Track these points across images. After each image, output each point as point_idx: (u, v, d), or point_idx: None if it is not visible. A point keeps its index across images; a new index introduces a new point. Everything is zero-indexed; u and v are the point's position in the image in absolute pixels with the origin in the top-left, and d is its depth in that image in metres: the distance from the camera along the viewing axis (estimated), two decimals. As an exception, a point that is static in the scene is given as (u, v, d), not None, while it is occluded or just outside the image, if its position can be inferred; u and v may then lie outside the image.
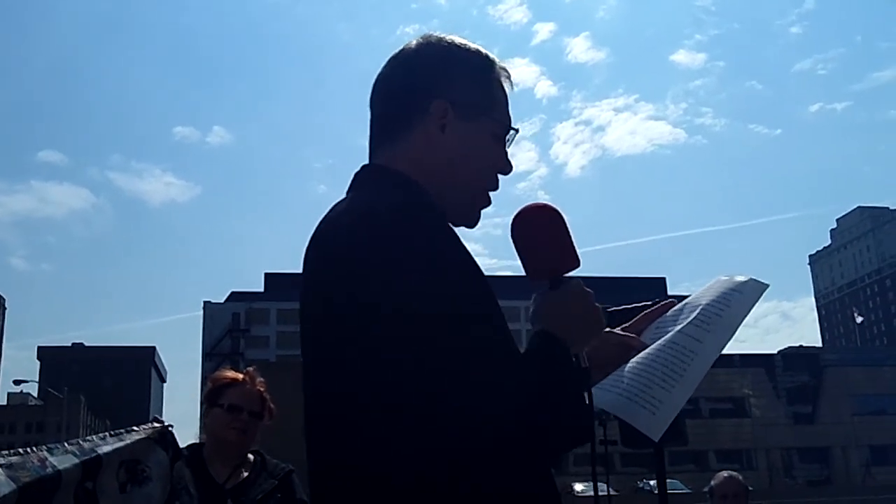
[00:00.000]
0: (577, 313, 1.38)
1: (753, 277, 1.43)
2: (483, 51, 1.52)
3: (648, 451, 4.86)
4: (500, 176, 1.52)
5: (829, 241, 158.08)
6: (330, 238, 1.33)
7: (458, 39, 1.51)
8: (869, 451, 52.12)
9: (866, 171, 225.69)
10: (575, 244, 1.44)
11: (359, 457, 1.24)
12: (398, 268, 1.22)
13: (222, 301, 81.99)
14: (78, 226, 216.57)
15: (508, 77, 1.53)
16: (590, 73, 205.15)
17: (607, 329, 1.54)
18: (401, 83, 1.48)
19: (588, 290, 1.41)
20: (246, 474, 3.11)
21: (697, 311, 1.41)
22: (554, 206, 1.44)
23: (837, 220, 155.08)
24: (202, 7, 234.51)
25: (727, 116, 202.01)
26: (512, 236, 1.44)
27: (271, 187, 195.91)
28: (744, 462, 49.60)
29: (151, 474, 2.62)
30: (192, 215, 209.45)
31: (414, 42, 1.51)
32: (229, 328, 78.77)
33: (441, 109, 1.43)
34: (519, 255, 1.44)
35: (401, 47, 1.53)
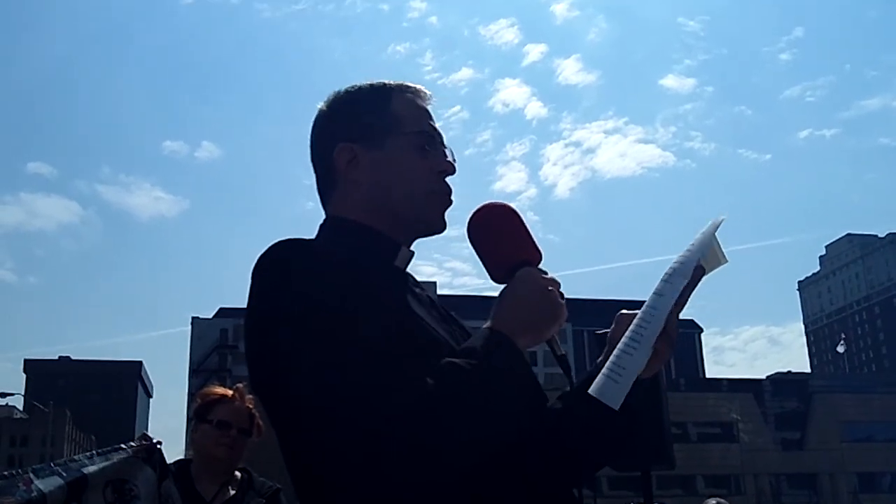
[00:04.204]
0: (526, 299, 1.37)
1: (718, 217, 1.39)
2: (376, 82, 1.60)
3: (636, 474, 4.83)
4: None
5: (818, 268, 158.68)
6: None
7: (351, 85, 1.61)
8: (857, 478, 52.09)
9: (855, 199, 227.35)
10: (533, 236, 1.44)
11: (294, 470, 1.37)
12: (267, 300, 1.34)
13: (210, 317, 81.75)
14: (66, 239, 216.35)
15: (418, 92, 1.59)
16: (580, 95, 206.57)
17: (623, 312, 1.49)
18: (314, 147, 1.61)
19: (542, 274, 1.40)
20: (233, 492, 3.10)
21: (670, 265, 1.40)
22: (504, 202, 1.46)
23: (826, 246, 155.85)
24: (194, 21, 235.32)
25: (716, 141, 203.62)
26: (471, 244, 1.46)
27: (260, 203, 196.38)
28: (732, 487, 49.50)
29: (139, 493, 2.61)
30: (181, 230, 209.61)
31: (318, 107, 1.63)
32: (217, 344, 78.48)
33: (345, 151, 1.53)
34: (481, 261, 1.45)
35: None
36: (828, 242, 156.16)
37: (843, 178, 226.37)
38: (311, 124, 1.62)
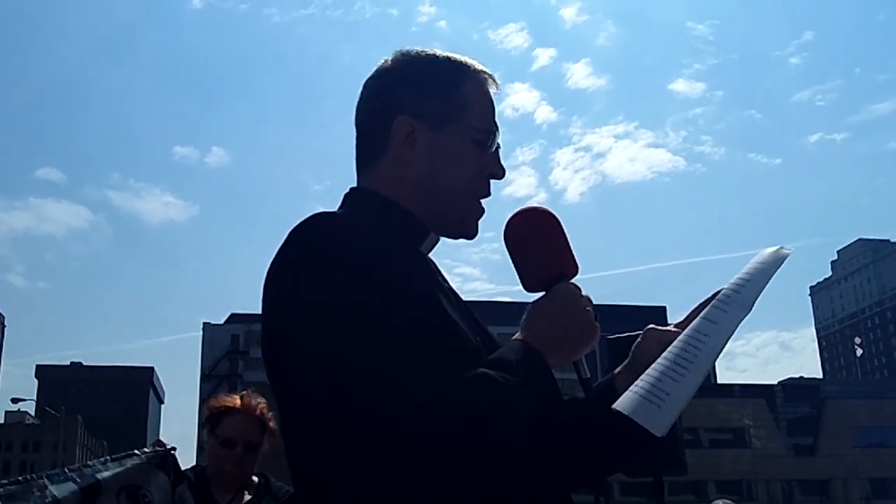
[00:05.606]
0: (562, 317, 1.30)
1: (782, 247, 1.32)
2: (453, 57, 1.47)
3: (647, 480, 4.82)
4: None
5: (829, 273, 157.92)
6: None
7: (426, 51, 1.48)
8: (869, 483, 51.81)
9: (866, 203, 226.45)
10: (572, 249, 1.36)
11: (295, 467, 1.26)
12: (302, 282, 1.21)
13: (222, 322, 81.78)
14: (76, 244, 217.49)
15: (488, 80, 1.48)
16: (590, 99, 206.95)
17: (652, 326, 1.43)
18: (369, 107, 1.47)
19: (579, 292, 1.33)
20: (249, 497, 3.10)
21: (722, 291, 1.28)
22: (547, 208, 1.37)
23: (838, 251, 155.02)
24: (203, 27, 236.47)
25: (727, 145, 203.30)
26: (506, 245, 1.37)
27: (270, 208, 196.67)
28: (744, 493, 49.28)
29: (153, 499, 2.62)
30: (191, 235, 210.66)
31: (382, 62, 1.49)
32: (228, 350, 78.41)
33: (405, 125, 1.40)
34: (514, 265, 1.37)
35: (374, 69, 1.50)
36: (839, 247, 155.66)
37: (854, 182, 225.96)
38: (364, 82, 1.48)
